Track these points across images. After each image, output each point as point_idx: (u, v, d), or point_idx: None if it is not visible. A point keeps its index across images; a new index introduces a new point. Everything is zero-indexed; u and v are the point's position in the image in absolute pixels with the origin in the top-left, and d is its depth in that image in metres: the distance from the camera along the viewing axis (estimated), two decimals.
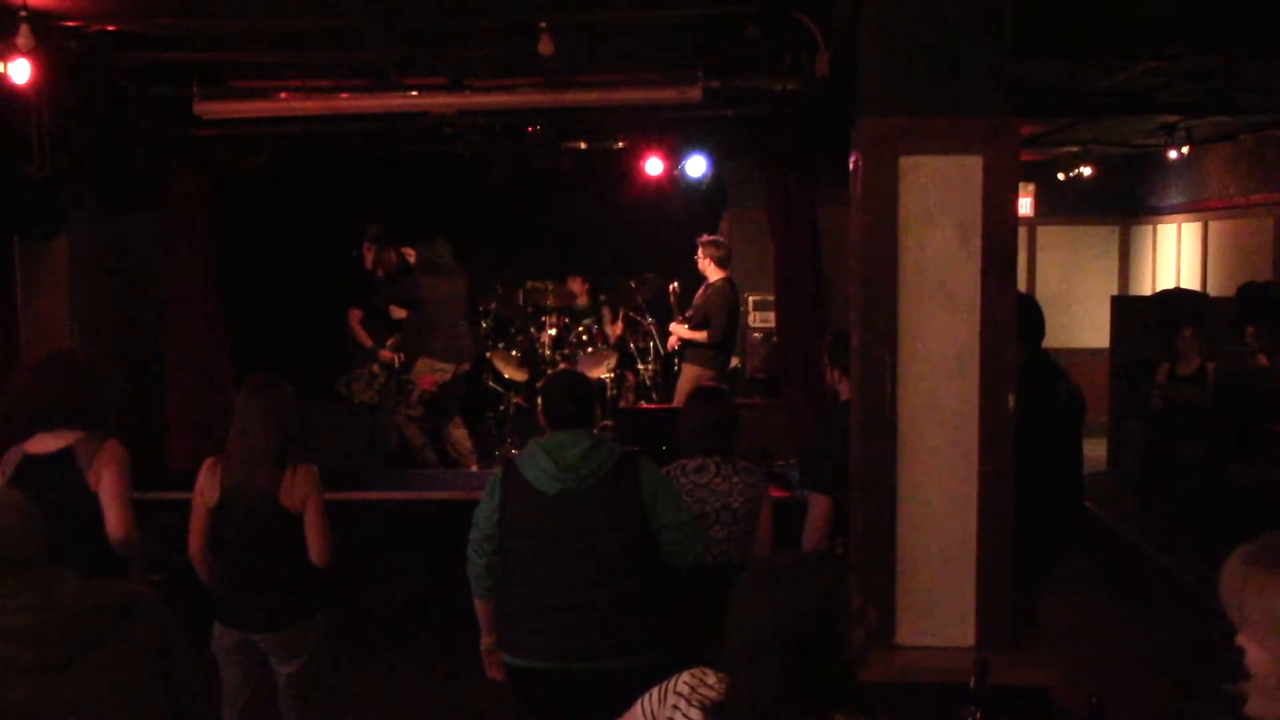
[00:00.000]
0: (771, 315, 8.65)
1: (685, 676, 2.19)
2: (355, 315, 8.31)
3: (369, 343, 8.26)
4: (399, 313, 8.35)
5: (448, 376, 8.19)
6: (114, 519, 3.77)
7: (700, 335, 7.89)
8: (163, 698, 2.53)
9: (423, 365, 8.16)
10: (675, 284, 8.72)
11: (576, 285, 9.57)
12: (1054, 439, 4.34)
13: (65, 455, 3.79)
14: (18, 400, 3.95)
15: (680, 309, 8.44)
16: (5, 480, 3.79)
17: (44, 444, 3.81)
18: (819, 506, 4.28)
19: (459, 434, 8.41)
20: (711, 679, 2.16)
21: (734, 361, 9.13)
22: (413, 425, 8.22)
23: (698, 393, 4.70)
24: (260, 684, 4.17)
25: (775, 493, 7.05)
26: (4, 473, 3.83)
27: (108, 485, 3.78)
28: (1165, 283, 11.92)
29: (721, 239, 8.23)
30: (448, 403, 8.34)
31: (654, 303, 9.08)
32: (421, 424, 8.25)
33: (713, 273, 7.97)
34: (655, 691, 2.21)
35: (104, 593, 2.49)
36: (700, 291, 8.08)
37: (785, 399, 7.24)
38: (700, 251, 7.97)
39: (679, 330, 8.10)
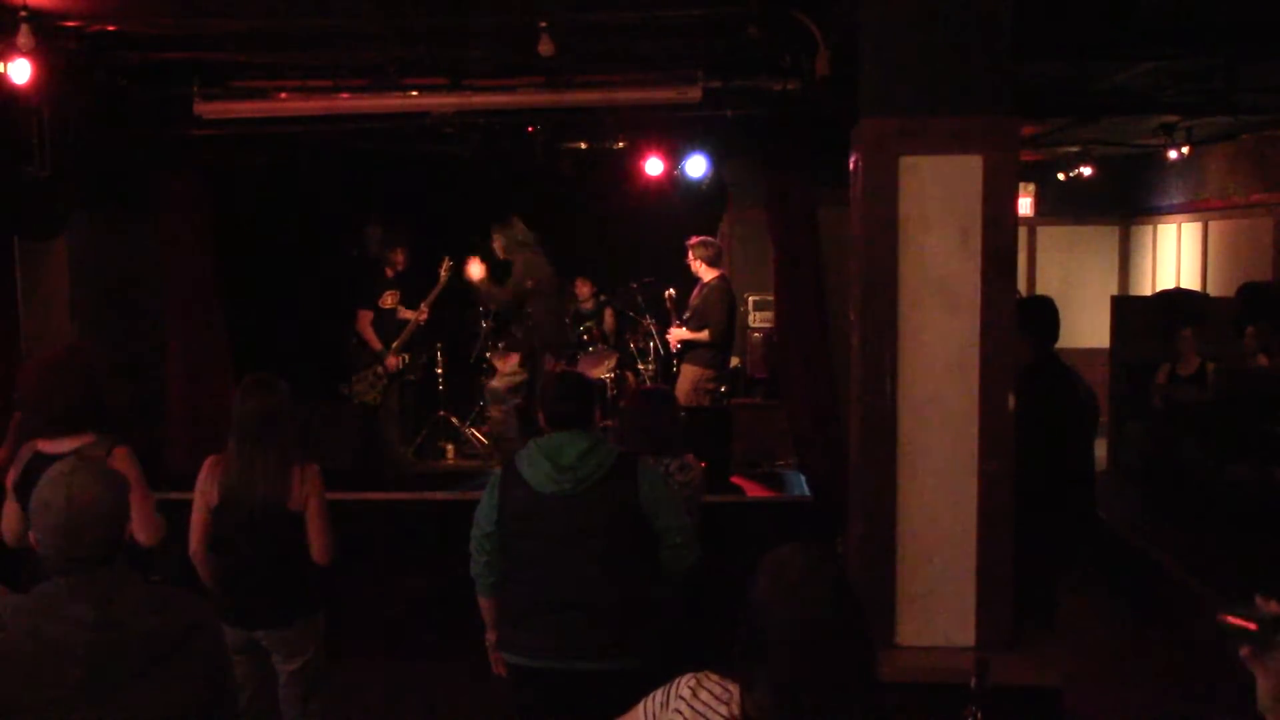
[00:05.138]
0: (771, 315, 8.65)
1: (687, 680, 2.16)
2: (365, 317, 8.29)
3: (378, 345, 8.24)
4: (406, 313, 8.35)
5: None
6: (140, 526, 3.75)
7: (702, 335, 7.89)
8: None
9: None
10: (671, 290, 8.72)
11: (584, 289, 9.57)
12: (1062, 439, 4.33)
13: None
14: (38, 400, 3.94)
15: (678, 313, 8.44)
16: (17, 477, 3.79)
17: (58, 445, 3.79)
18: None
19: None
20: (710, 684, 2.13)
21: (734, 361, 9.13)
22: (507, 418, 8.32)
23: (635, 395, 4.73)
24: (261, 683, 4.18)
25: (762, 492, 7.09)
26: (18, 468, 3.82)
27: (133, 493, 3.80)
28: (1165, 283, 11.92)
29: (710, 238, 8.22)
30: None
31: (654, 304, 9.08)
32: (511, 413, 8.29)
33: (705, 273, 7.98)
34: (659, 693, 2.19)
35: (166, 615, 2.32)
36: (696, 292, 8.07)
37: (785, 399, 7.22)
38: (690, 254, 7.99)
39: (678, 334, 8.09)
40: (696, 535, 4.11)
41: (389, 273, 8.35)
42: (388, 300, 8.36)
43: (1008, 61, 3.68)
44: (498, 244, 8.49)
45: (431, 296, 8.30)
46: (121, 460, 3.79)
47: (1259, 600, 1.84)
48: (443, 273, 8.25)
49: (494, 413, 8.46)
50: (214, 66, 6.16)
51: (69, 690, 2.21)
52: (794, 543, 2.11)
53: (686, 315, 8.08)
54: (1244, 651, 1.84)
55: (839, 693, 1.97)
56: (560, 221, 9.49)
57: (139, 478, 3.79)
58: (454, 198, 9.15)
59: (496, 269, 8.57)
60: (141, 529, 3.77)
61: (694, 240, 8.05)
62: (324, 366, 8.49)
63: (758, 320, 9.90)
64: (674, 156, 8.26)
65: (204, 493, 4.07)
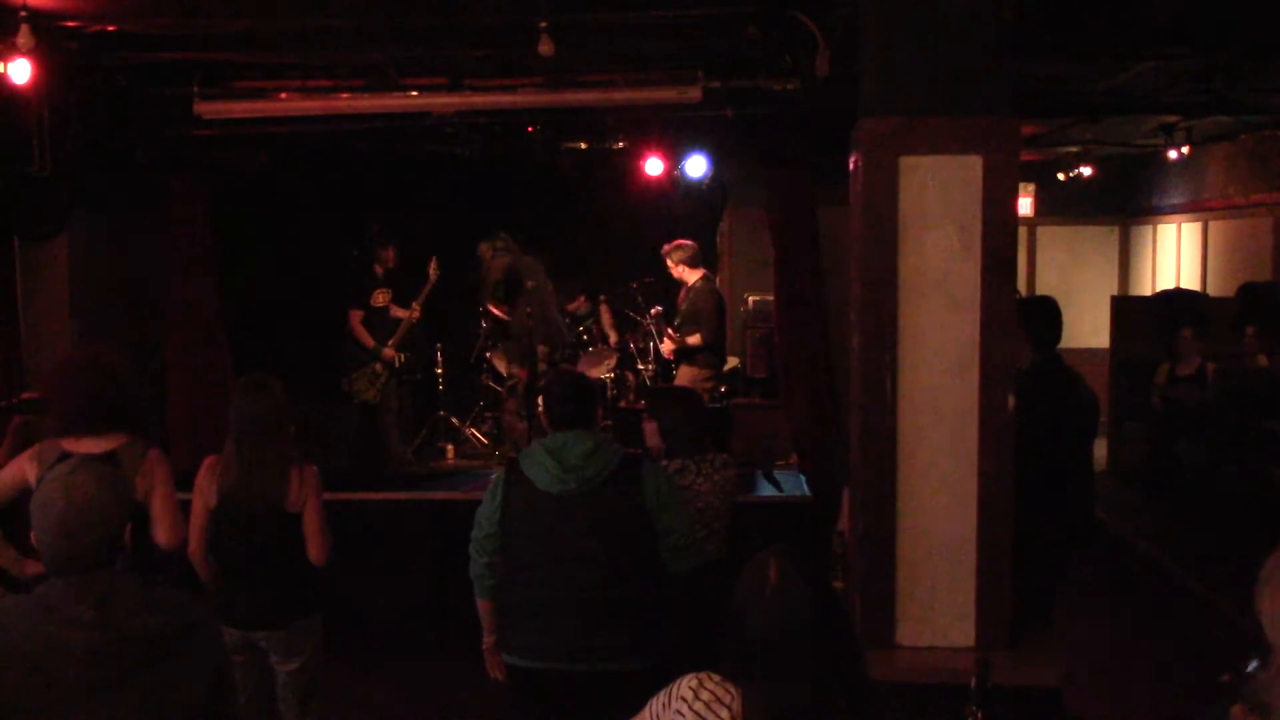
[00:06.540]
0: (771, 315, 8.63)
1: (689, 681, 2.17)
2: (356, 316, 8.31)
3: (371, 343, 8.26)
4: (400, 311, 8.35)
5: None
6: (166, 528, 3.85)
7: (694, 339, 7.88)
8: None
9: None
10: (659, 307, 8.70)
11: (579, 302, 9.55)
12: (1062, 440, 4.33)
13: (109, 459, 3.76)
14: (56, 397, 3.95)
15: (667, 321, 8.43)
16: (38, 475, 3.78)
17: (86, 445, 3.79)
18: None
19: None
20: (713, 685, 2.13)
21: (734, 361, 9.12)
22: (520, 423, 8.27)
23: (668, 395, 4.72)
24: (259, 683, 4.18)
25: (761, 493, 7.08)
26: (40, 465, 3.80)
27: (161, 496, 3.85)
28: (1165, 283, 11.91)
29: (685, 241, 8.18)
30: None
31: (653, 304, 9.07)
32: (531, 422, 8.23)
33: (688, 275, 7.98)
34: (662, 694, 2.21)
35: (164, 616, 2.32)
36: (683, 295, 8.06)
37: (785, 399, 7.23)
38: (668, 261, 7.98)
39: (670, 343, 8.07)
40: (728, 535, 4.15)
41: (378, 270, 8.36)
42: (379, 299, 8.37)
43: (1008, 61, 3.68)
44: (484, 253, 8.57)
45: (423, 295, 8.32)
46: (157, 462, 3.88)
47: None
48: (431, 272, 8.27)
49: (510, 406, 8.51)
50: (214, 66, 6.16)
51: (68, 690, 2.20)
52: (771, 549, 2.12)
53: (677, 321, 8.08)
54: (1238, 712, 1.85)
55: (824, 694, 1.98)
56: (560, 221, 9.49)
57: (168, 479, 3.88)
58: (454, 198, 9.15)
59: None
60: (163, 530, 3.83)
61: (668, 246, 8.05)
62: (323, 366, 8.48)
63: (757, 320, 9.87)
64: (674, 156, 8.26)
65: (203, 493, 4.07)
